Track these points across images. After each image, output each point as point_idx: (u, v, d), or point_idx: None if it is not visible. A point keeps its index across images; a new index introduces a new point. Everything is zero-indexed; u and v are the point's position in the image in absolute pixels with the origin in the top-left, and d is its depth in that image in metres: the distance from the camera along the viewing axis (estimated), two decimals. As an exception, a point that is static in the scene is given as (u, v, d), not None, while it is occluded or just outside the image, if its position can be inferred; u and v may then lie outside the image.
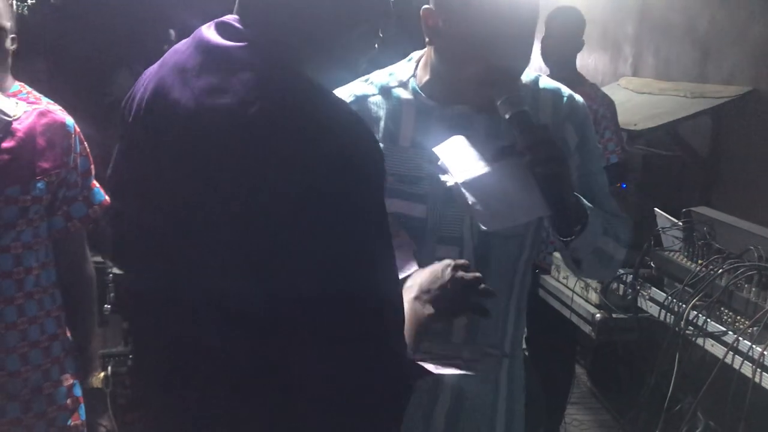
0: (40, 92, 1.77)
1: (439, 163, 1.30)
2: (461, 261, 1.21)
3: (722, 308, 2.16)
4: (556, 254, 2.95)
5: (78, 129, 1.75)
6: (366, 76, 1.47)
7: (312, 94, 0.96)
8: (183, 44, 1.05)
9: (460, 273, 1.18)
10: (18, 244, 1.63)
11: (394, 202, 1.36)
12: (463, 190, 1.26)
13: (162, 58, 1.08)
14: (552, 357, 3.13)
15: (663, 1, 3.96)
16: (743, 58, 3.21)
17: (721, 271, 2.17)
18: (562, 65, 3.08)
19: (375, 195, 0.97)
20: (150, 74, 1.07)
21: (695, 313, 2.20)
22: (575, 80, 3.05)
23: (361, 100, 1.42)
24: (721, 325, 2.13)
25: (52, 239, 1.73)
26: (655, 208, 2.78)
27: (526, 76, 1.42)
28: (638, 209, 3.22)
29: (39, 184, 1.65)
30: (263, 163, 0.90)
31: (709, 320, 2.16)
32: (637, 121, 3.40)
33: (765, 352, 1.92)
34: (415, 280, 1.18)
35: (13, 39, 1.68)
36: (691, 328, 2.21)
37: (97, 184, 1.79)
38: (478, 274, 1.19)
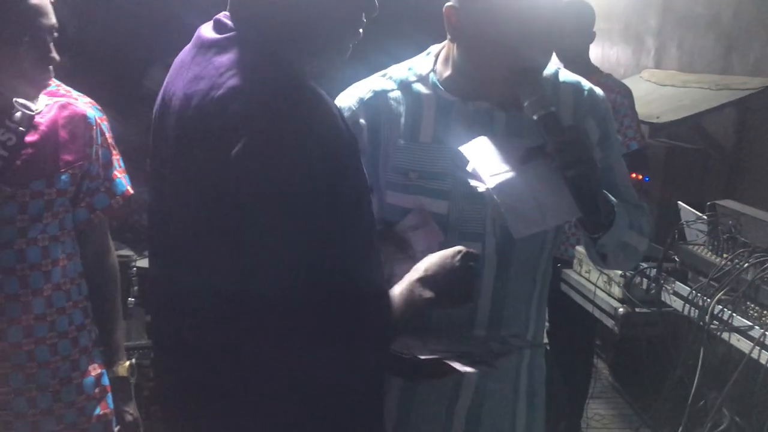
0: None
1: (465, 163, 1.30)
2: (472, 250, 1.20)
3: (748, 302, 2.14)
4: (579, 248, 2.93)
5: (100, 120, 1.76)
6: (384, 71, 1.46)
7: (282, 78, 1.01)
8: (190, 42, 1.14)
9: (469, 262, 1.18)
10: (45, 237, 1.65)
11: (416, 198, 1.36)
12: (495, 197, 1.25)
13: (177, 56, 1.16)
14: (572, 350, 3.12)
15: (686, -8, 3.91)
16: (769, 49, 3.16)
17: (747, 265, 2.15)
18: (574, 57, 3.09)
19: (347, 178, 1.02)
20: (169, 71, 1.15)
21: (720, 307, 2.17)
22: (589, 70, 3.07)
23: (381, 95, 1.41)
24: (747, 319, 2.10)
25: (76, 230, 1.75)
26: (679, 202, 2.75)
27: (546, 70, 1.41)
28: (662, 203, 3.19)
29: (63, 177, 1.67)
30: (227, 144, 0.95)
31: (734, 315, 2.13)
32: (660, 114, 3.36)
33: (792, 347, 1.89)
34: (423, 263, 1.18)
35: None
36: (716, 322, 2.18)
37: (119, 175, 1.80)
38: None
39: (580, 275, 2.94)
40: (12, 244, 1.62)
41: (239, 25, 1.06)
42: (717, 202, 2.47)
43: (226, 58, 1.01)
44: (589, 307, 2.82)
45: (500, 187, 1.25)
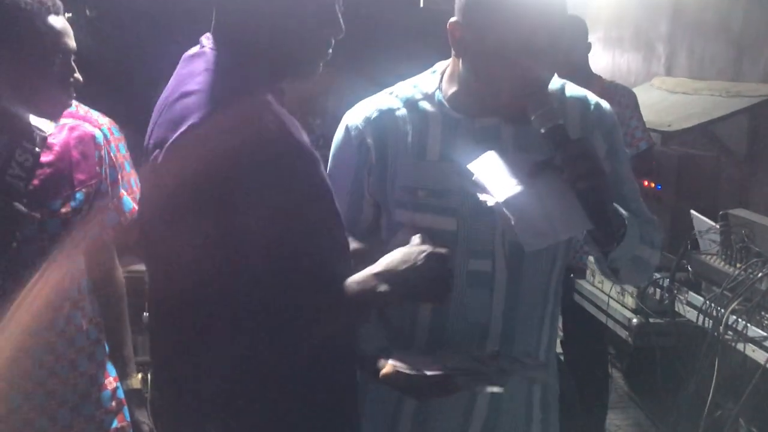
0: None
1: (474, 179, 1.30)
2: (441, 250, 1.20)
3: (762, 312, 2.13)
4: (591, 258, 2.92)
5: (113, 140, 1.79)
6: (390, 89, 1.46)
7: (238, 89, 1.11)
8: None
9: (435, 262, 1.18)
10: (63, 255, 1.68)
11: (425, 216, 1.37)
12: (505, 210, 1.25)
13: None
14: (587, 360, 3.11)
15: (696, 0, 3.90)
16: (780, 55, 3.15)
17: (761, 275, 2.14)
18: (575, 68, 3.09)
19: (305, 178, 1.11)
20: None
21: (734, 317, 2.16)
22: (592, 78, 3.11)
23: (387, 114, 1.42)
24: (762, 329, 2.09)
25: (86, 248, 1.77)
26: (692, 210, 2.74)
27: (552, 84, 1.41)
28: (675, 210, 3.18)
29: (78, 195, 1.69)
30: (188, 155, 1.05)
31: (749, 325, 2.12)
32: (671, 122, 3.35)
33: (808, 358, 1.88)
34: (386, 258, 1.19)
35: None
36: (730, 333, 2.17)
37: (125, 194, 1.83)
38: (449, 268, 1.20)
39: (594, 285, 2.93)
40: (34, 264, 1.64)
41: (215, 43, 1.17)
42: (729, 211, 2.46)
43: (196, 73, 1.13)
44: (602, 317, 2.81)
45: (510, 201, 1.25)
